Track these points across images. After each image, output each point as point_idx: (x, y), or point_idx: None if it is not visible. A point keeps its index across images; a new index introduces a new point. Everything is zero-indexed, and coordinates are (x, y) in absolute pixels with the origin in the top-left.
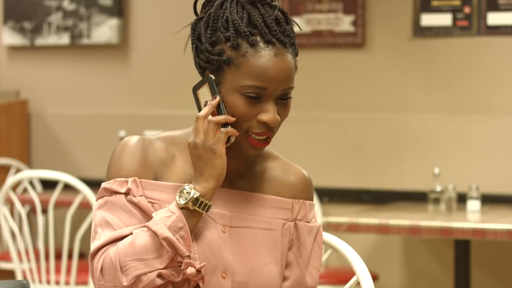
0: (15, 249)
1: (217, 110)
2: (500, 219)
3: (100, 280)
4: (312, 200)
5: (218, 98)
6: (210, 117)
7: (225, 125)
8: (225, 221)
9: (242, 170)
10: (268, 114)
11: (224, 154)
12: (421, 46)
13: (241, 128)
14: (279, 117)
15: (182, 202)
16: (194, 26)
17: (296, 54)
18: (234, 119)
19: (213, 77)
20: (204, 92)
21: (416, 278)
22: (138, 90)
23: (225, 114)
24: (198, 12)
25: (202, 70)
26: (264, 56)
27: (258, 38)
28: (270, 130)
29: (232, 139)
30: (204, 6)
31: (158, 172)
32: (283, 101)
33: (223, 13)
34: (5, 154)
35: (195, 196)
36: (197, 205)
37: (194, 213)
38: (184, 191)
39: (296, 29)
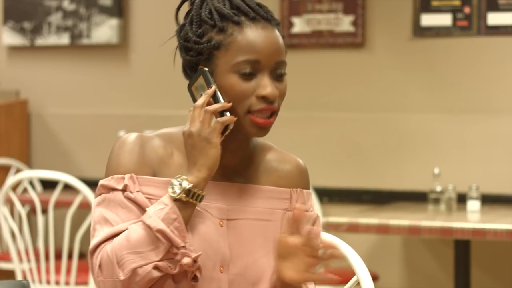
0: (15, 249)
1: (214, 100)
2: (500, 219)
3: (99, 276)
4: (308, 188)
5: (213, 86)
6: (206, 107)
7: (222, 114)
8: (222, 215)
9: (239, 164)
10: (267, 88)
11: (218, 145)
12: (421, 46)
13: (242, 109)
14: (277, 91)
15: (175, 194)
16: (179, 32)
17: (283, 36)
18: (230, 104)
19: (206, 69)
20: (200, 87)
21: (416, 278)
22: (138, 90)
23: (221, 102)
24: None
25: (194, 68)
26: (252, 31)
27: (243, 18)
28: (270, 104)
29: (231, 126)
30: (187, 14)
31: (156, 169)
32: (278, 77)
33: (205, 7)
34: (5, 154)
35: (187, 187)
36: (190, 196)
37: (188, 204)
38: (177, 183)
39: (297, 29)
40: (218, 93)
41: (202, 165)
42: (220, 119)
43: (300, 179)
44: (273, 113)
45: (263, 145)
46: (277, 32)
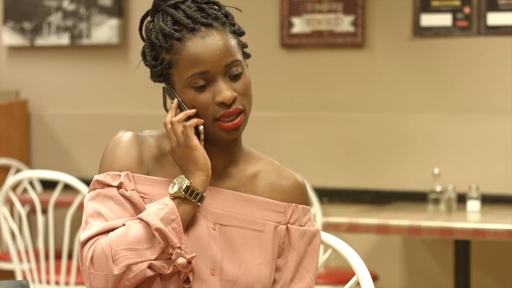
0: (15, 249)
1: (181, 111)
2: (500, 219)
3: (90, 268)
4: (307, 204)
5: (176, 100)
6: (172, 119)
7: (188, 120)
8: (215, 219)
9: (230, 166)
10: (221, 93)
11: (198, 145)
12: (421, 46)
13: (208, 118)
14: (234, 93)
15: (174, 190)
16: (143, 53)
17: (234, 32)
18: (193, 111)
19: (166, 86)
20: (170, 104)
21: (416, 278)
22: (138, 90)
23: (185, 110)
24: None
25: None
26: (192, 43)
27: (184, 32)
28: (230, 107)
29: (201, 128)
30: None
31: (150, 168)
32: (234, 77)
33: (153, 29)
34: (5, 154)
35: (186, 184)
36: (188, 193)
37: (187, 202)
38: (176, 182)
39: (297, 29)
40: (182, 103)
41: (195, 169)
42: (187, 122)
43: (296, 195)
44: (239, 113)
45: (263, 157)
46: (221, 34)
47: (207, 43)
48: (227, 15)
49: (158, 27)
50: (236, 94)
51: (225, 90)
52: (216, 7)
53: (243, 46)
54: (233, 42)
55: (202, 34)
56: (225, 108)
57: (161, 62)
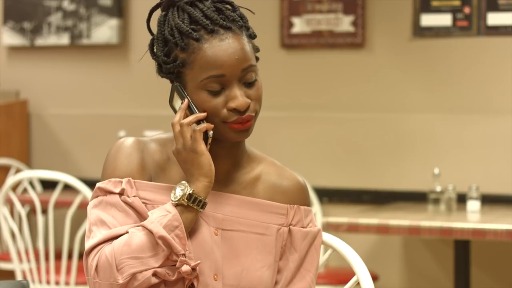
0: (15, 249)
1: (190, 112)
2: (500, 219)
3: (95, 278)
4: (308, 205)
5: (186, 100)
6: (182, 120)
7: (199, 123)
8: (217, 224)
9: (233, 170)
10: (236, 100)
11: (205, 151)
12: (421, 46)
13: (218, 121)
14: (248, 100)
15: (177, 198)
16: (151, 46)
17: (250, 36)
18: (204, 114)
19: (178, 84)
20: (178, 101)
21: (416, 278)
22: (138, 90)
23: (196, 113)
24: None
25: (171, 82)
26: (211, 46)
27: (202, 32)
28: (243, 114)
29: (211, 133)
30: (158, 25)
31: (152, 174)
32: (249, 83)
33: (168, 23)
34: (5, 154)
35: (189, 192)
36: (191, 200)
37: (189, 209)
38: (179, 188)
39: (297, 29)
40: (192, 105)
41: (199, 174)
42: (197, 126)
43: (298, 196)
44: (250, 118)
45: (264, 158)
46: (238, 38)
47: (225, 47)
48: (242, 18)
49: (173, 23)
50: (249, 102)
51: (239, 97)
52: (230, 7)
53: (256, 50)
54: (249, 46)
55: (221, 36)
56: (238, 114)
57: (174, 60)
